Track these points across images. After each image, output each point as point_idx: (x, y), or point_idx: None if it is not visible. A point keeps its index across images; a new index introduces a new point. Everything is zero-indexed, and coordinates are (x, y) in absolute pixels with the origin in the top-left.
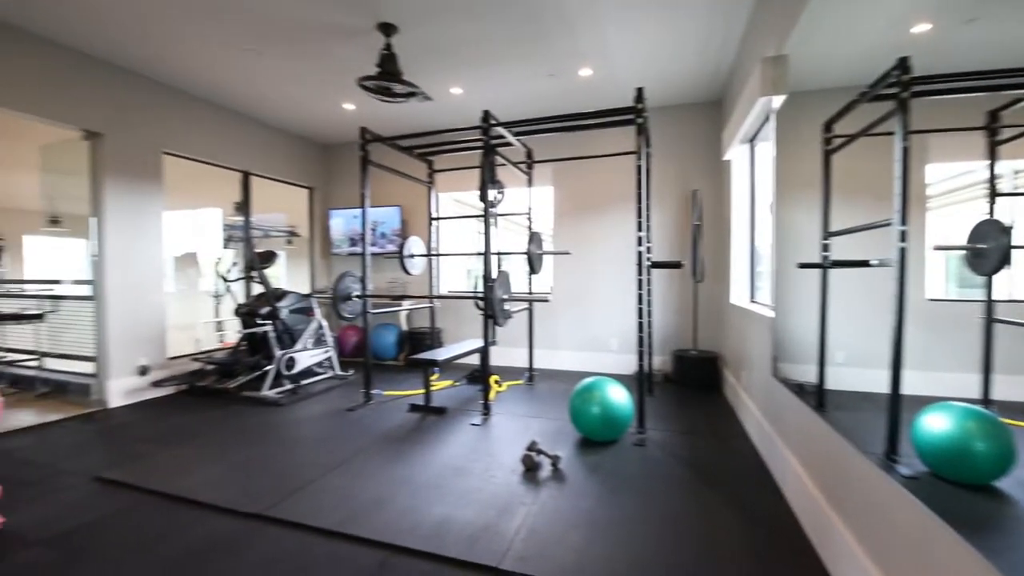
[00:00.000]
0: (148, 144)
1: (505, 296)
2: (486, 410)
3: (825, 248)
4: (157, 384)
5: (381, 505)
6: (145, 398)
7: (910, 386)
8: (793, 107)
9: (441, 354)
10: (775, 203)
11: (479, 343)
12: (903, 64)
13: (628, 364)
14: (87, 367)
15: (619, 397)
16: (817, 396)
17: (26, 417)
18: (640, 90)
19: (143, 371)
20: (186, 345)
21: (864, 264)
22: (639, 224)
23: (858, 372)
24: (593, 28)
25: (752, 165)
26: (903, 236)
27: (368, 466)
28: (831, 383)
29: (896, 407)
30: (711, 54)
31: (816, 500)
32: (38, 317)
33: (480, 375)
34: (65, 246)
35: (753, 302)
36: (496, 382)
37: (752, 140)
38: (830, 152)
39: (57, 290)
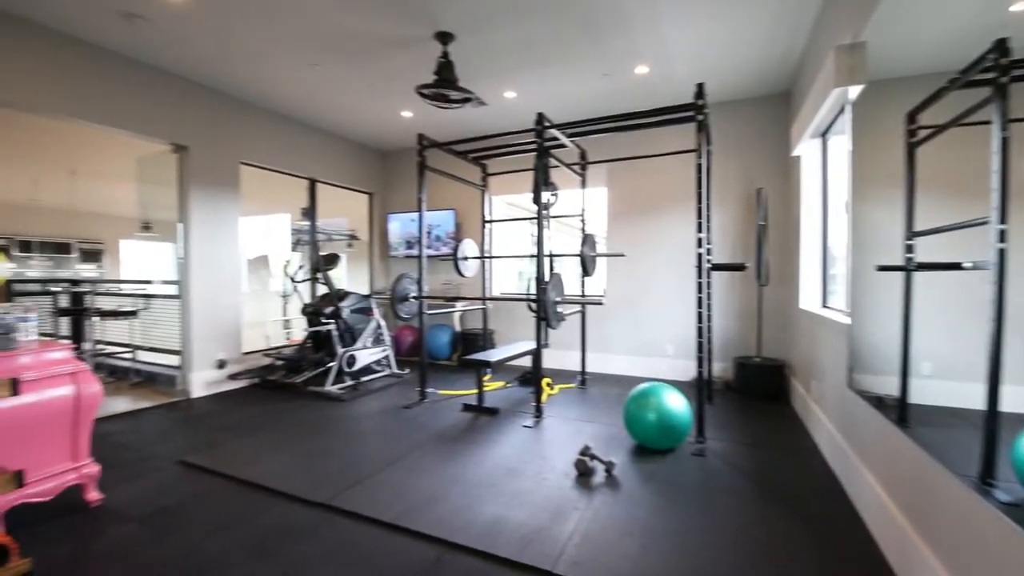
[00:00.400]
0: (228, 155)
1: (558, 298)
2: (538, 412)
3: (909, 249)
4: (233, 377)
5: (435, 501)
6: (222, 390)
7: (1009, 402)
8: (871, 97)
9: (494, 355)
10: (851, 201)
11: (531, 345)
12: (1001, 46)
13: (685, 370)
14: (173, 360)
15: (677, 404)
16: (899, 410)
17: (121, 404)
18: (701, 86)
19: (221, 365)
20: (257, 342)
21: (955, 267)
22: (699, 225)
23: (946, 385)
24: (651, 25)
25: (824, 161)
26: (1002, 236)
27: (423, 462)
28: (915, 397)
29: (993, 425)
30: (778, 44)
31: (899, 524)
32: (133, 314)
33: (532, 377)
34: (155, 249)
35: (825, 307)
36: (548, 385)
37: (825, 134)
38: (914, 144)
39: (148, 289)
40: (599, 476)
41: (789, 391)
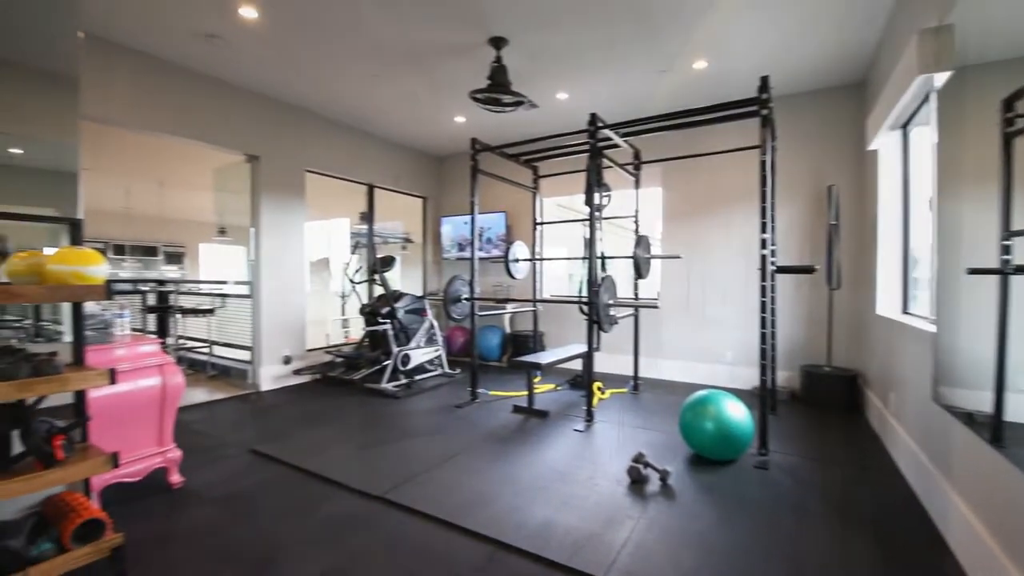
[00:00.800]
0: (294, 164)
1: (610, 301)
2: (589, 417)
3: (1006, 250)
4: (297, 372)
5: (487, 501)
6: (287, 384)
7: None
8: (960, 84)
9: (544, 357)
10: (937, 198)
11: (583, 348)
12: None
13: (746, 378)
14: (245, 355)
15: (737, 413)
16: (993, 428)
17: (199, 395)
18: (765, 79)
19: (287, 360)
20: (319, 339)
21: None
22: (763, 225)
23: None
24: (710, 18)
25: (905, 154)
26: None
27: (474, 461)
28: (1011, 414)
29: None
30: (851, 31)
31: (994, 553)
32: (210, 311)
33: (583, 381)
34: (230, 252)
35: (906, 314)
36: (599, 389)
37: (906, 126)
38: (1011, 135)
39: (224, 289)
40: (653, 485)
41: (863, 403)
